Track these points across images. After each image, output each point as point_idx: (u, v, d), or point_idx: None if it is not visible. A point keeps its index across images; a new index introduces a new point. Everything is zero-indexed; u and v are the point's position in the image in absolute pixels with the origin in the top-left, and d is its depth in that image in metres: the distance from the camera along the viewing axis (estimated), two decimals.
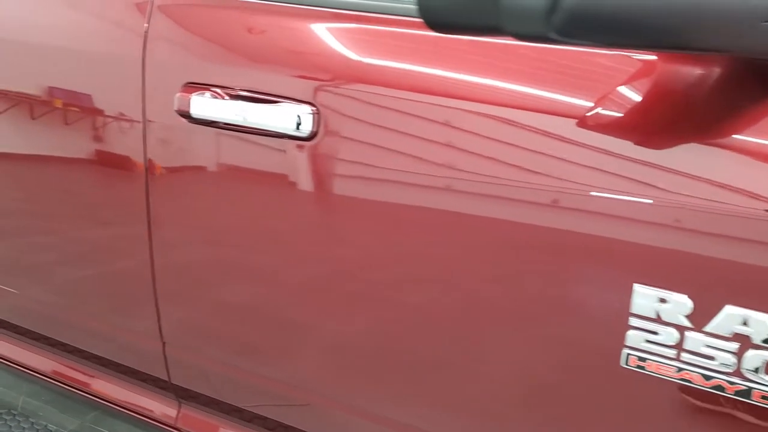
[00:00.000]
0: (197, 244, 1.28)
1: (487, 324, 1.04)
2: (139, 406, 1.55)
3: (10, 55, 1.42)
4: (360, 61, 1.08)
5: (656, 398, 0.92)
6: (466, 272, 1.03)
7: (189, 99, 1.18)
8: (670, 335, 0.88)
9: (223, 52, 1.19)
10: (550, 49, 0.95)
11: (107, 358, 1.57)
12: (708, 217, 0.85)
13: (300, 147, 1.11)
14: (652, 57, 0.89)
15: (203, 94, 1.17)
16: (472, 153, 0.99)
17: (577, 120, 0.91)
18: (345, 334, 1.18)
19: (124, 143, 1.30)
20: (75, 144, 1.37)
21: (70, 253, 1.49)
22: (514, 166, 0.96)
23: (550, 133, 0.94)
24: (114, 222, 1.39)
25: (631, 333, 0.91)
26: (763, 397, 0.86)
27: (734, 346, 0.85)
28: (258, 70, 1.14)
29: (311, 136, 1.10)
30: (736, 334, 0.85)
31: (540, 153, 0.94)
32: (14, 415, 1.67)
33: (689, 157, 0.86)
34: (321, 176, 1.12)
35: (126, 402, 1.59)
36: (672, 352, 0.89)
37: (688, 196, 0.86)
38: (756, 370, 0.85)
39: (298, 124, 1.10)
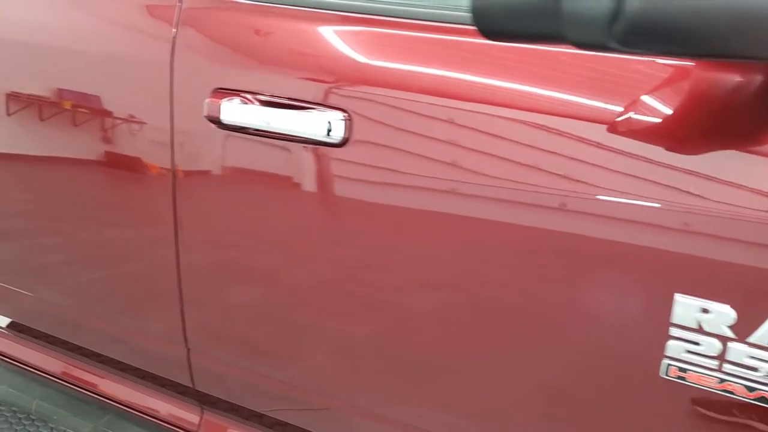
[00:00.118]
0: (225, 251, 1.28)
1: (521, 333, 1.03)
2: (160, 411, 1.55)
3: (32, 60, 1.41)
4: (393, 68, 1.07)
5: (697, 409, 0.92)
6: (504, 280, 1.03)
7: (219, 105, 1.17)
8: (712, 346, 0.88)
9: (253, 57, 1.18)
10: (585, 55, 0.94)
11: (127, 362, 1.57)
12: (752, 227, 0.84)
13: (331, 153, 1.10)
14: (689, 64, 0.89)
15: (233, 99, 1.17)
16: (508, 160, 0.98)
17: (613, 126, 0.91)
18: (378, 341, 1.18)
19: (150, 148, 1.29)
20: (100, 148, 1.37)
21: (92, 258, 1.48)
22: (553, 173, 0.96)
23: (587, 140, 0.93)
24: (139, 228, 1.38)
25: (671, 343, 0.90)
26: None
27: None
28: (289, 76, 1.14)
29: (342, 143, 1.09)
30: None
31: (579, 161, 0.94)
32: (33, 420, 1.66)
33: (730, 165, 0.85)
34: (352, 183, 1.11)
35: (145, 407, 1.59)
36: (714, 363, 0.88)
37: (730, 204, 0.85)
38: None
39: (329, 131, 1.10)
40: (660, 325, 0.90)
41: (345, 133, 1.09)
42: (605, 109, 0.92)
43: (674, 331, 0.90)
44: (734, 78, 0.85)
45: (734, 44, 0.63)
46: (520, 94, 0.98)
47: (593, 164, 0.94)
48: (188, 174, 1.25)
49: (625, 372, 0.96)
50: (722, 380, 0.88)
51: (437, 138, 1.03)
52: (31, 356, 1.76)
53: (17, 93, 1.44)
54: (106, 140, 1.36)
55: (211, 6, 1.23)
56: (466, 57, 1.03)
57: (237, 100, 1.16)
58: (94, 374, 1.66)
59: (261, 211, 1.21)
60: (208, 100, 1.19)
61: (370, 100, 1.07)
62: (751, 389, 0.87)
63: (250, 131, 1.16)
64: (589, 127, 0.93)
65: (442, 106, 1.02)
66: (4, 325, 1.77)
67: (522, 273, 1.01)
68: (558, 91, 0.97)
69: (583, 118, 0.94)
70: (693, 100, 0.88)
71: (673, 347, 0.90)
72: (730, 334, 0.87)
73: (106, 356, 1.60)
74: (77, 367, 1.69)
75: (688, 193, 0.87)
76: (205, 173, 1.24)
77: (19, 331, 1.75)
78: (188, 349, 1.37)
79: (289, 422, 1.37)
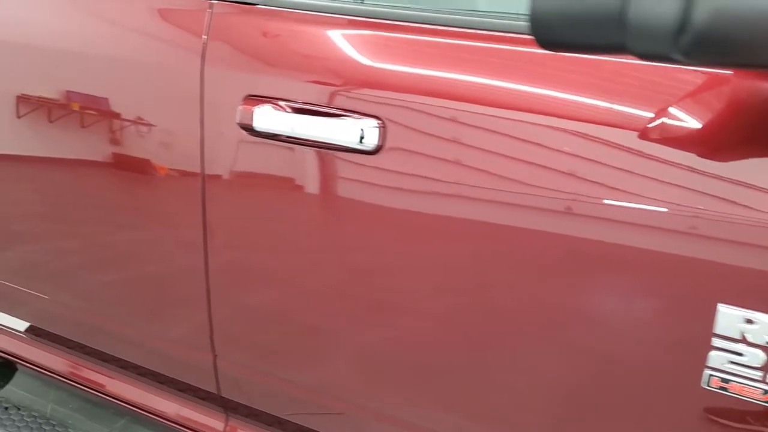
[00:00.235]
0: (256, 257, 1.27)
1: (559, 342, 1.03)
2: (181, 417, 1.54)
3: (62, 65, 1.41)
4: (429, 75, 1.07)
5: (739, 420, 0.92)
6: (544, 287, 1.02)
7: (251, 111, 1.17)
8: (756, 357, 0.88)
9: (285, 65, 1.18)
10: (623, 62, 0.94)
11: (147, 367, 1.56)
12: None
13: (364, 160, 1.10)
14: (727, 72, 0.89)
15: (265, 107, 1.16)
16: (547, 168, 0.98)
17: (649, 133, 0.90)
18: (412, 348, 1.17)
19: (179, 154, 1.29)
20: (125, 153, 1.36)
21: (115, 262, 1.48)
22: (591, 181, 0.95)
23: (626, 147, 0.93)
24: (165, 233, 1.38)
25: (713, 354, 0.90)
26: None
27: None
28: (322, 83, 1.14)
29: (376, 150, 1.09)
30: None
31: (620, 169, 0.94)
32: (54, 425, 1.66)
33: None
34: (385, 190, 1.11)
35: (166, 412, 1.58)
36: (758, 374, 0.88)
37: None
38: None
39: (361, 138, 1.09)
40: (702, 336, 0.90)
41: (379, 140, 1.08)
42: (643, 116, 0.92)
43: (717, 342, 0.90)
44: None
45: None
46: (557, 101, 0.98)
47: (631, 172, 0.93)
48: (219, 180, 1.24)
49: (665, 382, 0.96)
50: (766, 391, 0.88)
51: (474, 146, 1.02)
52: (48, 359, 1.76)
53: (54, 100, 1.44)
54: (131, 146, 1.35)
55: (242, 12, 1.22)
56: (503, 64, 1.03)
57: (269, 107, 1.16)
58: (113, 378, 1.65)
59: (292, 218, 1.21)
60: (240, 107, 1.18)
61: (405, 108, 1.07)
62: None
63: (282, 138, 1.16)
64: (625, 134, 0.92)
65: (479, 113, 1.02)
66: (21, 329, 1.76)
67: (564, 282, 1.00)
68: (595, 99, 0.96)
69: (620, 126, 0.93)
70: (732, 108, 0.88)
71: (715, 358, 0.90)
72: None
73: (126, 360, 1.59)
74: (95, 371, 1.68)
75: (733, 202, 0.87)
76: (237, 179, 1.24)
77: (36, 335, 1.75)
78: (215, 356, 1.37)
79: (312, 428, 1.37)
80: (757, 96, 0.87)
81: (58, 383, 2.19)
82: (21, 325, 1.76)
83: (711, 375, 0.91)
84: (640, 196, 0.92)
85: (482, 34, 1.05)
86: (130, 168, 1.36)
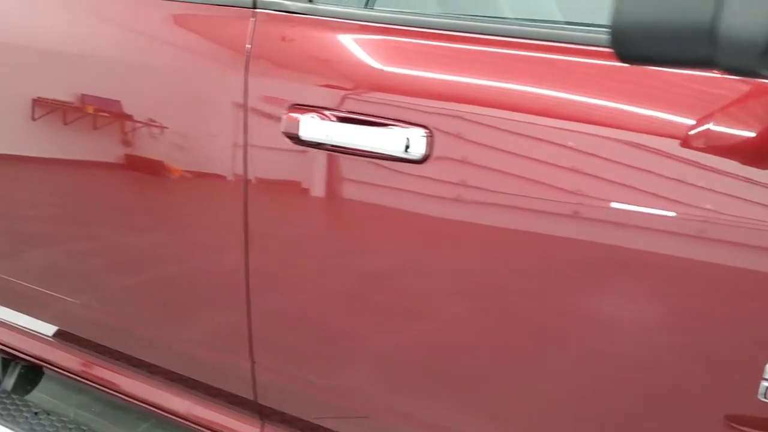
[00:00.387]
0: (298, 265, 1.28)
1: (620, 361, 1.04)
2: (215, 423, 1.55)
3: (105, 72, 1.42)
4: (478, 84, 1.08)
5: None
6: (593, 297, 1.03)
7: (296, 120, 1.18)
8: None
9: (330, 73, 1.18)
10: (670, 71, 0.95)
11: (179, 372, 1.56)
12: None
13: (411, 170, 1.11)
14: None
15: (310, 115, 1.17)
16: (597, 177, 0.99)
17: (704, 145, 0.91)
18: (463, 357, 1.18)
19: (221, 161, 1.29)
20: (169, 160, 1.37)
21: (151, 267, 1.48)
22: (644, 191, 0.96)
23: (674, 155, 0.94)
24: (204, 240, 1.38)
25: None
26: None
27: None
28: (370, 92, 1.14)
29: (423, 159, 1.10)
30: None
31: (680, 181, 0.94)
32: (84, 430, 1.66)
33: None
34: (432, 199, 1.11)
35: (199, 418, 1.58)
36: None
37: None
38: None
39: (407, 147, 1.10)
40: (761, 347, 0.90)
41: (426, 149, 1.09)
42: (690, 124, 0.93)
43: None
44: None
45: None
46: (607, 111, 0.99)
47: (685, 182, 0.94)
48: (262, 187, 1.25)
49: (720, 393, 0.96)
50: None
51: (525, 155, 1.03)
52: (75, 363, 1.76)
53: (102, 108, 1.44)
54: (172, 152, 1.36)
55: (286, 21, 1.23)
56: (555, 74, 1.03)
57: (315, 116, 1.17)
58: (142, 382, 1.65)
59: (335, 225, 1.22)
60: (285, 115, 1.19)
61: (454, 117, 1.08)
62: None
63: (327, 147, 1.17)
64: (673, 144, 0.93)
65: (529, 123, 1.02)
66: (49, 333, 1.77)
67: (621, 292, 1.01)
68: (645, 108, 0.97)
69: (667, 135, 0.94)
70: None
71: None
72: None
73: (156, 365, 1.60)
74: (123, 375, 1.68)
75: None
76: (280, 187, 1.24)
77: (62, 338, 1.75)
78: (253, 362, 1.37)
79: None
80: None
81: (79, 388, 2.20)
82: (48, 329, 1.76)
83: None
84: (694, 207, 0.93)
85: (533, 43, 1.05)
86: (171, 174, 1.37)
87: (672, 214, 0.95)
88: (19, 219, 1.65)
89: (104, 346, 1.66)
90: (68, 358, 1.75)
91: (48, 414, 1.73)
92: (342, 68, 1.18)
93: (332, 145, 1.17)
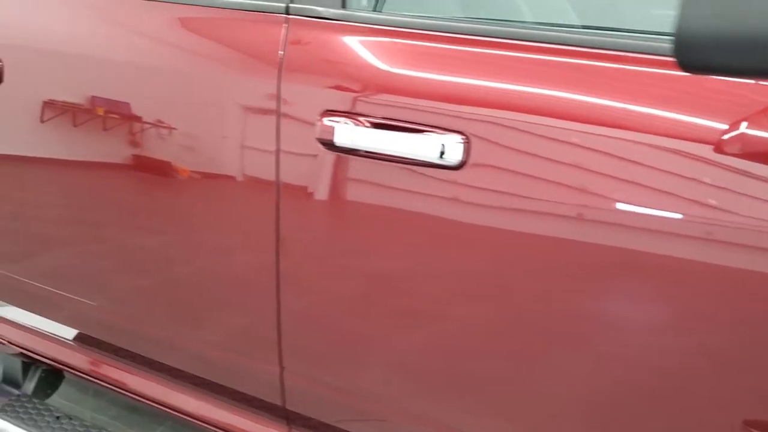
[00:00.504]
0: (330, 272, 1.28)
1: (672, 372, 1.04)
2: (240, 428, 1.55)
3: (138, 79, 1.42)
4: (516, 91, 1.08)
5: None
6: (639, 306, 1.04)
7: (330, 126, 1.18)
8: None
9: (363, 79, 1.19)
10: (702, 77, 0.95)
11: (203, 377, 1.56)
12: None
13: (446, 176, 1.11)
14: None
15: (345, 121, 1.17)
16: (640, 185, 0.99)
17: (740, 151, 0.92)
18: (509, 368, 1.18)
19: (252, 167, 1.29)
20: (198, 165, 1.37)
21: (179, 272, 1.49)
22: (684, 198, 0.96)
23: (716, 163, 0.94)
24: (233, 245, 1.38)
25: None
26: None
27: None
28: (404, 98, 1.14)
29: (459, 166, 1.10)
30: None
31: (720, 188, 0.95)
32: None
33: None
34: (469, 206, 1.12)
35: (224, 422, 1.58)
36: None
37: None
38: None
39: (442, 153, 1.10)
40: None
41: (463, 156, 1.09)
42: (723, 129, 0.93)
43: None
44: None
45: None
46: (647, 117, 0.99)
47: (727, 189, 0.95)
48: (294, 192, 1.25)
49: (740, 398, 0.97)
50: None
51: (564, 162, 1.04)
52: (96, 367, 1.76)
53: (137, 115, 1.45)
54: (201, 157, 1.36)
55: (319, 27, 1.23)
56: (594, 80, 1.04)
57: (350, 122, 1.17)
58: (164, 386, 1.65)
59: (368, 231, 1.22)
60: (319, 121, 1.19)
61: (492, 123, 1.08)
62: None
63: (361, 153, 1.17)
64: (709, 150, 0.94)
65: (569, 129, 1.03)
66: (70, 337, 1.77)
67: (660, 300, 1.02)
68: (683, 114, 0.98)
69: (701, 141, 0.95)
70: None
71: None
72: None
73: (179, 369, 1.60)
74: (144, 378, 1.68)
75: None
76: (313, 192, 1.24)
77: (82, 342, 1.75)
78: (282, 368, 1.37)
79: None
80: None
81: (95, 391, 2.20)
82: (69, 332, 1.76)
83: None
84: (735, 213, 0.94)
85: (569, 49, 1.06)
86: (201, 178, 1.37)
87: (720, 220, 0.95)
88: (60, 222, 1.65)
89: (126, 350, 1.66)
90: (89, 362, 1.75)
91: (70, 418, 1.73)
92: (376, 74, 1.18)
93: (366, 151, 1.17)
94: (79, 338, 1.75)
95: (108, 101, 1.45)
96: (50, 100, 1.53)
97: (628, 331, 1.05)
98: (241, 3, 1.31)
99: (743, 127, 0.92)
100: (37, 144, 1.59)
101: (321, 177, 1.23)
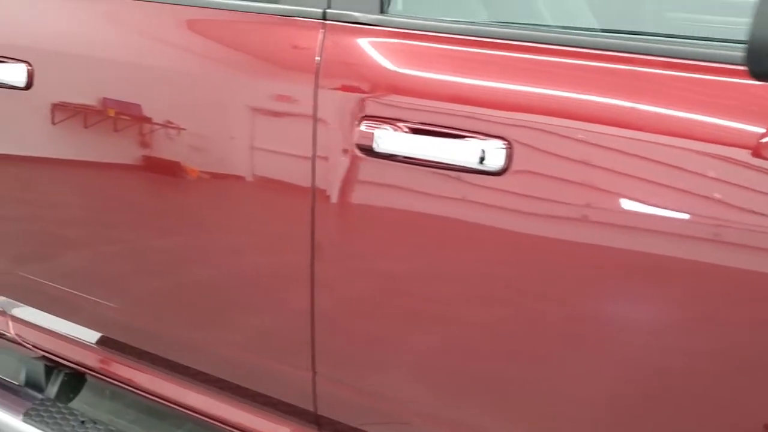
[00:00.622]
0: (367, 278, 1.28)
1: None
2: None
3: (169, 82, 1.42)
4: (560, 96, 1.08)
5: None
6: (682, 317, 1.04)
7: (369, 132, 1.18)
8: None
9: (400, 84, 1.19)
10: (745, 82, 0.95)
11: (228, 380, 1.56)
12: None
13: (488, 182, 1.11)
14: None
15: (384, 127, 1.17)
16: (688, 192, 1.00)
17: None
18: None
19: (289, 172, 1.29)
20: (232, 170, 1.37)
21: (214, 279, 1.49)
22: (737, 208, 0.97)
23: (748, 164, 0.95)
24: (270, 253, 1.38)
25: None
26: None
27: None
28: (444, 104, 1.14)
29: (501, 172, 1.10)
30: None
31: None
32: None
33: None
34: (511, 212, 1.12)
35: (249, 426, 1.58)
36: None
37: None
38: None
39: (482, 159, 1.10)
40: None
41: (505, 161, 1.09)
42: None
43: None
44: None
45: None
46: (689, 123, 0.99)
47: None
48: (331, 197, 1.25)
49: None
50: None
51: (610, 168, 1.04)
52: (118, 370, 1.75)
53: (158, 119, 1.45)
54: (236, 162, 1.36)
55: (356, 32, 1.23)
56: (638, 86, 1.04)
57: (389, 127, 1.17)
58: (188, 389, 1.65)
59: (405, 236, 1.22)
60: (357, 127, 1.19)
61: (536, 129, 1.08)
62: None
63: (400, 158, 1.17)
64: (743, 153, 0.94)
65: (614, 135, 1.03)
66: (93, 341, 1.77)
67: (701, 308, 1.02)
68: (728, 120, 0.98)
69: (738, 145, 0.95)
70: None
71: None
72: None
73: (205, 373, 1.59)
74: (167, 381, 1.68)
75: None
76: (350, 197, 1.24)
77: (104, 345, 1.75)
78: (314, 372, 1.37)
79: None
80: None
81: (112, 394, 2.19)
82: (91, 335, 1.76)
83: None
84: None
85: (614, 55, 1.06)
86: (233, 182, 1.37)
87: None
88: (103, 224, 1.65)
89: (151, 353, 1.66)
90: (114, 365, 1.75)
91: (94, 422, 1.73)
92: (415, 80, 1.19)
93: (405, 157, 1.17)
94: (103, 341, 1.75)
95: (143, 107, 1.45)
96: (79, 103, 1.53)
97: (671, 338, 1.05)
98: (277, 9, 1.31)
99: None
100: (64, 147, 1.59)
101: (358, 182, 1.23)
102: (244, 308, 1.47)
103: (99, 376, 1.77)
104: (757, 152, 0.92)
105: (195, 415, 1.66)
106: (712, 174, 0.98)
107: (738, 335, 1.00)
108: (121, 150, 1.50)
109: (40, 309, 1.80)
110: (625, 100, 1.04)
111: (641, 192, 1.02)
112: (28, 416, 1.71)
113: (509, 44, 1.14)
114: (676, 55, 1.03)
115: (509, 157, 1.09)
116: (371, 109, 1.19)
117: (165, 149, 1.44)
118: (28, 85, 1.55)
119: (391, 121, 1.17)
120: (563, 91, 1.09)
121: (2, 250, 1.81)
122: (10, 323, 1.84)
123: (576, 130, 1.05)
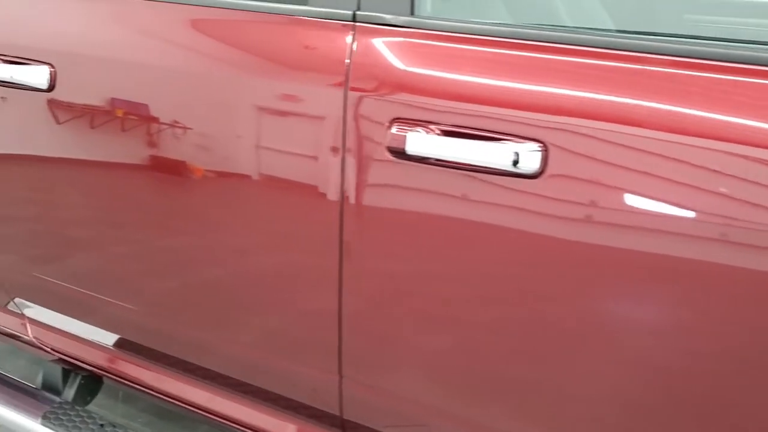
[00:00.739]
0: (398, 284, 1.27)
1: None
2: None
3: (196, 85, 1.41)
4: (597, 99, 1.07)
5: None
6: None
7: (400, 134, 1.17)
8: None
9: (433, 86, 1.18)
10: None
11: (251, 383, 1.56)
12: None
13: (522, 185, 1.10)
14: None
15: (416, 130, 1.17)
16: (729, 197, 0.99)
17: None
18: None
19: (317, 174, 1.29)
20: (259, 173, 1.37)
21: (238, 280, 1.48)
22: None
23: None
24: (293, 254, 1.37)
25: None
26: None
27: None
28: (477, 106, 1.14)
29: (536, 175, 1.09)
30: None
31: None
32: None
33: None
34: (546, 216, 1.11)
35: (269, 430, 1.58)
36: None
37: None
38: None
39: (515, 162, 1.10)
40: None
41: (540, 164, 1.09)
42: None
43: None
44: None
45: None
46: (734, 127, 0.99)
47: None
48: (360, 200, 1.24)
49: None
50: None
51: (649, 173, 1.03)
52: (136, 372, 1.75)
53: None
54: (263, 166, 1.36)
55: (387, 34, 1.23)
56: (679, 89, 1.03)
57: (420, 130, 1.16)
58: (207, 391, 1.65)
59: (436, 239, 1.21)
60: (388, 130, 1.18)
61: (572, 132, 1.07)
62: None
63: (431, 161, 1.16)
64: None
65: (654, 139, 1.02)
66: (110, 343, 1.76)
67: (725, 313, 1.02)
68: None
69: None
70: None
71: None
72: None
73: (231, 377, 1.59)
74: (186, 383, 1.67)
75: None
76: (380, 200, 1.24)
77: (121, 347, 1.74)
78: (341, 376, 1.37)
79: None
80: None
81: (125, 397, 2.19)
82: (109, 338, 1.75)
83: None
84: None
85: (651, 58, 1.05)
86: (260, 183, 1.36)
87: None
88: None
89: (170, 355, 1.66)
90: (133, 368, 1.74)
91: (114, 426, 1.72)
92: (446, 81, 1.18)
93: (437, 159, 1.16)
94: (120, 344, 1.74)
95: (166, 110, 1.45)
96: (101, 105, 1.52)
97: (708, 341, 1.05)
98: (306, 11, 1.30)
99: None
100: (87, 148, 1.58)
101: (389, 185, 1.22)
102: (269, 311, 1.46)
103: (118, 378, 1.76)
104: None
105: (216, 419, 1.65)
106: (754, 179, 0.97)
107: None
108: (151, 152, 1.49)
109: (56, 311, 1.79)
110: (664, 104, 1.03)
111: (680, 196, 1.02)
112: (47, 419, 1.70)
113: (541, 46, 1.13)
114: (717, 57, 1.02)
115: (545, 160, 1.09)
116: (402, 111, 1.18)
117: (193, 151, 1.44)
118: (51, 87, 1.54)
119: (422, 123, 1.17)
120: (600, 93, 1.08)
121: (20, 251, 1.80)
122: (28, 326, 1.83)
123: (614, 134, 1.04)
